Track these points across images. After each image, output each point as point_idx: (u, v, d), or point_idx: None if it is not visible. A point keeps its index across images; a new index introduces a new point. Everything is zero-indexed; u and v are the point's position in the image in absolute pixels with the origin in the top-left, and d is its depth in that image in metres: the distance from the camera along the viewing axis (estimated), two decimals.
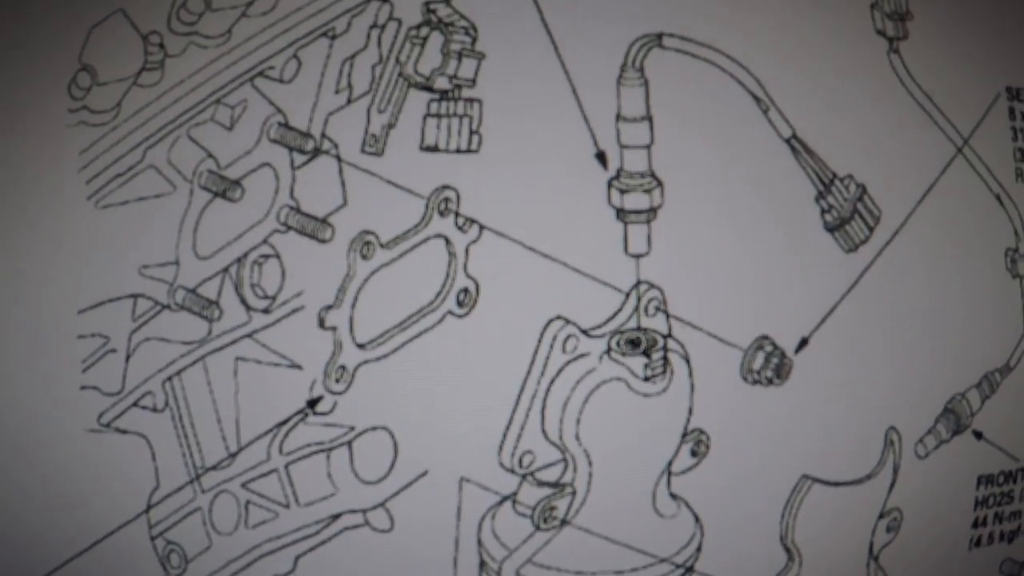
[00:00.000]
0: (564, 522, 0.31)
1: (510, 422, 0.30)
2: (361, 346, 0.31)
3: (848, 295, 0.32)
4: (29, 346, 0.34)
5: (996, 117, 0.35)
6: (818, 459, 0.32)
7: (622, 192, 0.31)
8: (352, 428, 0.31)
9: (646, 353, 0.30)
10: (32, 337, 0.34)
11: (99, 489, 0.34)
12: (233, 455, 0.32)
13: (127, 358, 0.33)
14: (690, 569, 0.32)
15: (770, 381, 0.31)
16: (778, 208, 0.31)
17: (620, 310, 0.30)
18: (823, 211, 0.32)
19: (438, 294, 0.31)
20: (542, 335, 0.30)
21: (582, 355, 0.30)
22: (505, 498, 0.31)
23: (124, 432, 0.33)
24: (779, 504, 0.32)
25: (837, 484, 0.32)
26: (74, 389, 0.33)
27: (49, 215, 0.34)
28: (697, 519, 0.31)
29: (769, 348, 0.31)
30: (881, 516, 0.33)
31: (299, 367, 0.31)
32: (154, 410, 0.33)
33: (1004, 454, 0.34)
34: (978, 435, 0.34)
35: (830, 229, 0.32)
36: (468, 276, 0.31)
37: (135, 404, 0.33)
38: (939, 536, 0.34)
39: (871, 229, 0.32)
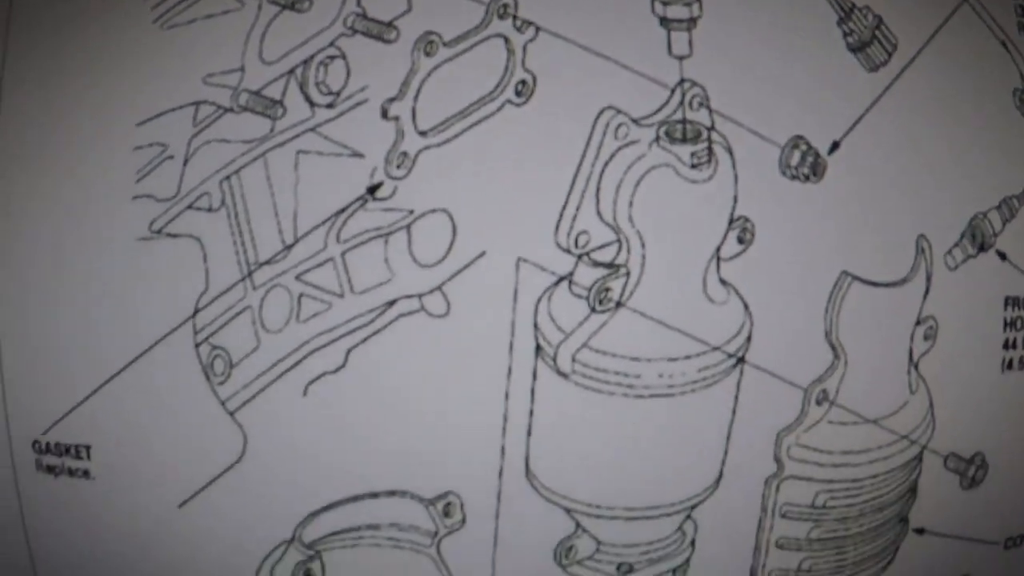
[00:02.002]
0: (619, 304, 0.33)
1: (566, 203, 0.33)
2: (423, 133, 0.34)
3: (873, 109, 0.36)
4: (83, 160, 0.36)
5: None
6: (856, 259, 0.35)
7: (664, 4, 0.35)
8: (411, 212, 0.34)
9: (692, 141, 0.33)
10: (86, 150, 0.36)
11: (145, 299, 0.35)
12: (289, 247, 0.34)
13: (185, 162, 0.35)
14: (741, 359, 0.34)
15: (807, 178, 0.35)
16: (808, 25, 0.36)
17: (667, 103, 0.34)
18: (845, 34, 0.37)
19: (498, 85, 0.34)
20: (595, 123, 0.34)
21: (632, 142, 0.34)
22: (561, 279, 0.33)
23: (176, 236, 0.35)
24: (822, 299, 0.35)
25: (875, 284, 0.35)
26: (126, 200, 0.36)
27: (113, 37, 0.37)
28: (746, 307, 0.34)
29: (804, 147, 0.35)
30: (918, 323, 0.36)
31: (361, 155, 0.34)
32: (209, 210, 0.35)
33: None
34: (1002, 256, 0.37)
35: (852, 50, 0.36)
36: (526, 70, 0.34)
37: (190, 206, 0.35)
38: (973, 351, 0.36)
39: (889, 53, 0.37)
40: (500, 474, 0.35)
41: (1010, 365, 0.38)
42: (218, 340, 0.35)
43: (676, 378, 0.34)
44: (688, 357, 0.34)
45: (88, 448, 0.37)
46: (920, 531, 0.38)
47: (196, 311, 0.35)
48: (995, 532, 0.39)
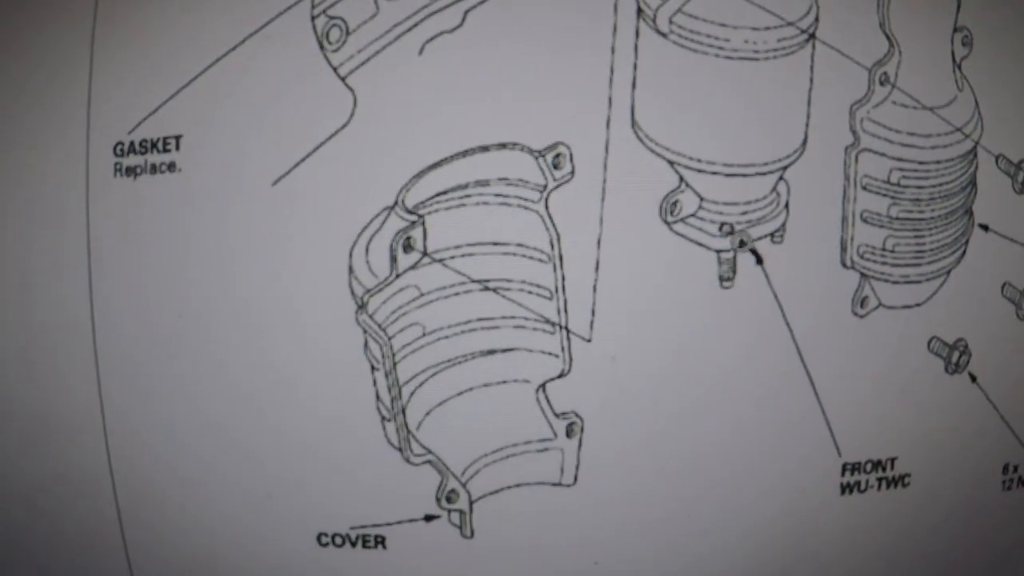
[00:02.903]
0: None
1: None
2: None
3: None
4: None
5: None
6: None
7: None
8: None
9: None
10: None
11: None
12: None
13: None
14: (813, 35, 0.37)
15: None
16: None
17: None
18: None
19: None
20: None
21: None
22: None
23: None
24: None
25: None
26: None
27: None
28: None
29: None
30: (955, 30, 0.40)
31: None
32: None
33: None
34: None
35: None
36: None
37: None
38: (1008, 61, 0.41)
39: None
40: (608, 124, 0.37)
41: None
42: (336, 11, 0.37)
43: (760, 44, 0.38)
44: (768, 28, 0.38)
45: (178, 139, 0.37)
46: (985, 227, 0.41)
47: None
48: None
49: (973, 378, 0.42)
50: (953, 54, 0.42)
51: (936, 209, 0.41)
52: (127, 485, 0.39)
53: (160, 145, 0.38)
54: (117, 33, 0.39)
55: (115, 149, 0.38)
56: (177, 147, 0.38)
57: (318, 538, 0.38)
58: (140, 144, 0.38)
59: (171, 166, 0.38)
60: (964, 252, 0.42)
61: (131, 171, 0.38)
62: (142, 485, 0.39)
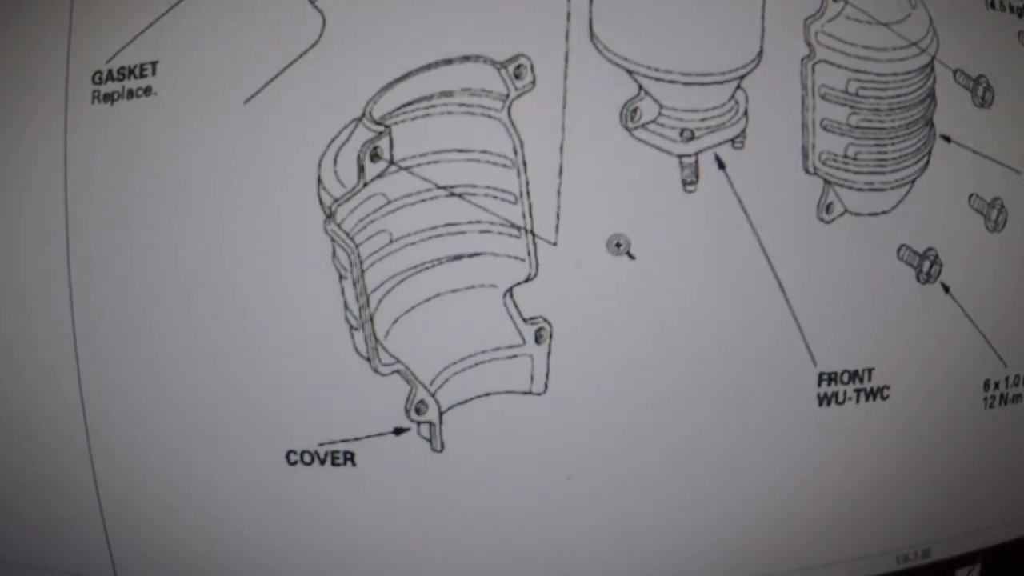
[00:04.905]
0: None
1: None
2: None
3: None
4: None
5: None
6: None
7: None
8: None
9: None
10: None
11: None
12: None
13: None
14: None
15: None
16: None
17: None
18: None
19: None
20: None
21: None
22: None
23: None
24: None
25: None
26: None
27: None
28: None
29: None
30: None
31: None
32: None
33: None
34: None
35: None
36: None
37: None
38: None
39: None
40: (567, 36, 0.39)
41: (992, 5, 0.45)
42: None
43: None
44: None
45: (154, 64, 0.40)
46: (947, 139, 0.42)
47: None
48: (1016, 160, 0.44)
49: (946, 289, 0.43)
50: None
51: (896, 119, 0.43)
52: (96, 417, 0.40)
53: (137, 71, 0.41)
54: None
55: (94, 77, 0.41)
56: (153, 72, 0.41)
57: (287, 456, 0.39)
58: (118, 71, 0.41)
59: (147, 90, 0.41)
60: (928, 162, 0.44)
61: (108, 97, 0.41)
62: (112, 404, 0.40)
